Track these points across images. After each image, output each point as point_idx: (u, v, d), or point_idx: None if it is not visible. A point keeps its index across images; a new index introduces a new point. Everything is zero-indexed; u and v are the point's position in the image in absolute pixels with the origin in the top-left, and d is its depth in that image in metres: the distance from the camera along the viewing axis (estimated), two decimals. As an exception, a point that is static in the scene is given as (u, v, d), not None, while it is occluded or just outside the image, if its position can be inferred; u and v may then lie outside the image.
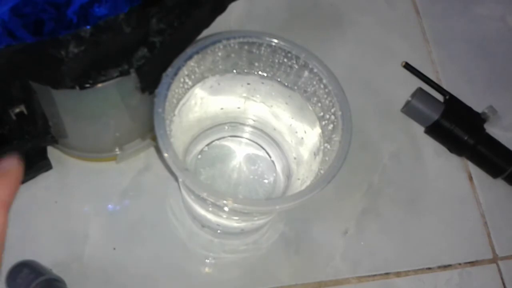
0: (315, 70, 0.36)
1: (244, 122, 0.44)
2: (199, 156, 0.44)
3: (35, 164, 0.43)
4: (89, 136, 0.43)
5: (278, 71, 0.38)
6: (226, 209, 0.34)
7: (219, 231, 0.44)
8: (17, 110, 0.36)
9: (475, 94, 0.56)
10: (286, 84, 0.39)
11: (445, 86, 0.55)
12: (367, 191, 0.49)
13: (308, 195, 0.32)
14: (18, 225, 0.42)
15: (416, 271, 0.47)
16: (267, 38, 0.36)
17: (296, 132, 0.41)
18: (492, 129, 0.54)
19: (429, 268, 0.47)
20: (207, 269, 0.44)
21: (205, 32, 0.37)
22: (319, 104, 0.37)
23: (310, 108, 0.38)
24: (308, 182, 0.36)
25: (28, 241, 0.42)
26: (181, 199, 0.45)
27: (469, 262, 0.48)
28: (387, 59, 0.56)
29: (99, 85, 0.33)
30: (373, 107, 0.53)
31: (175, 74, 0.34)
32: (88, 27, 0.30)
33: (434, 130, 0.52)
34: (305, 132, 0.40)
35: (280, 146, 0.44)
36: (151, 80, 0.34)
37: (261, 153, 0.45)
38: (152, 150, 0.46)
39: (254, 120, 0.44)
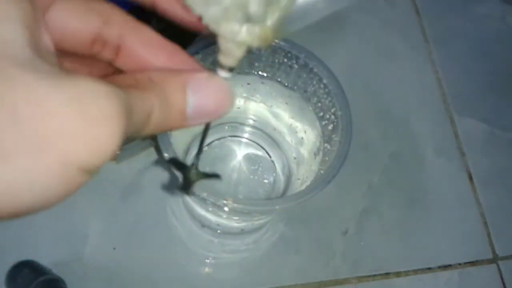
0: (315, 70, 0.36)
1: (244, 122, 0.44)
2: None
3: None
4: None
5: (278, 71, 0.38)
6: (226, 209, 0.34)
7: (219, 231, 0.44)
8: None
9: (475, 94, 0.56)
10: (286, 84, 0.39)
11: (445, 86, 0.55)
12: (367, 191, 0.49)
13: (308, 195, 0.32)
14: (18, 225, 0.42)
15: (416, 271, 0.47)
16: (267, 38, 0.36)
17: (296, 132, 0.41)
18: (493, 129, 0.54)
19: (429, 268, 0.47)
20: (207, 269, 0.44)
21: (205, 32, 0.37)
22: (319, 104, 0.37)
23: (310, 108, 0.38)
24: (308, 182, 0.36)
25: (28, 241, 0.42)
26: (181, 199, 0.45)
27: (469, 262, 0.48)
28: (387, 59, 0.56)
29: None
30: (373, 107, 0.53)
31: (175, 74, 0.33)
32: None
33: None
34: (305, 132, 0.40)
35: (280, 146, 0.44)
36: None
37: (261, 153, 0.45)
38: (152, 150, 0.46)
39: (254, 120, 0.44)
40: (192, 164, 0.24)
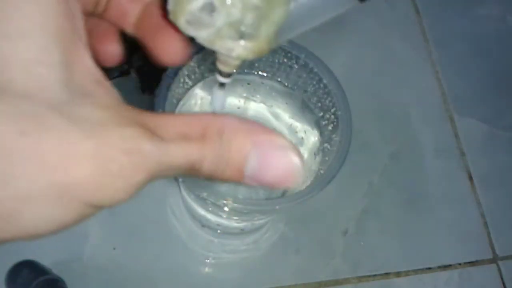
0: (315, 70, 0.36)
1: (244, 122, 0.44)
2: (199, 156, 0.43)
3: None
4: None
5: (278, 71, 0.38)
6: (226, 209, 0.34)
7: (219, 231, 0.44)
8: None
9: (475, 94, 0.56)
10: (286, 84, 0.39)
11: (445, 86, 0.55)
12: (367, 191, 0.49)
13: (308, 195, 0.32)
14: (18, 225, 0.42)
15: (416, 271, 0.47)
16: (267, 38, 0.36)
17: (296, 132, 0.41)
18: (493, 129, 0.54)
19: (429, 268, 0.47)
20: (207, 269, 0.44)
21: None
22: (319, 104, 0.37)
23: (310, 108, 0.38)
24: (308, 182, 0.36)
25: (28, 241, 0.42)
26: (181, 199, 0.45)
27: (469, 262, 0.48)
28: (387, 59, 0.56)
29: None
30: (373, 107, 0.53)
31: (175, 74, 0.34)
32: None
33: None
34: (305, 132, 0.40)
35: (280, 146, 0.43)
36: (151, 80, 0.34)
37: (261, 153, 0.45)
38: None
39: (254, 120, 0.43)
40: None
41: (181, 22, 0.17)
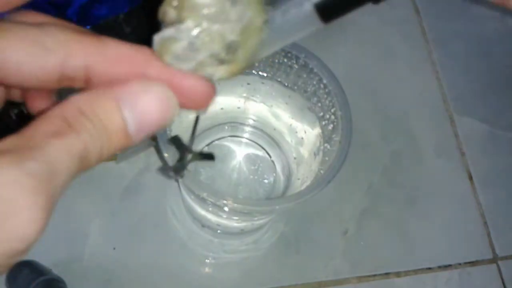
0: (315, 70, 0.36)
1: (244, 122, 0.44)
2: (199, 156, 0.44)
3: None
4: (89, 136, 0.43)
5: (278, 71, 0.38)
6: (226, 209, 0.34)
7: (219, 231, 0.44)
8: (16, 110, 0.36)
9: (475, 94, 0.56)
10: (286, 84, 0.39)
11: (445, 86, 0.55)
12: (367, 191, 0.49)
13: (308, 195, 0.32)
14: (18, 225, 0.42)
15: (416, 271, 0.47)
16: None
17: (296, 132, 0.41)
18: (493, 129, 0.54)
19: (429, 268, 0.47)
20: (207, 269, 0.44)
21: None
22: (319, 104, 0.37)
23: (310, 108, 0.38)
24: (308, 182, 0.36)
25: None
26: (181, 199, 0.45)
27: (469, 262, 0.48)
28: (387, 59, 0.56)
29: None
30: (373, 107, 0.53)
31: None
32: (88, 27, 0.30)
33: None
34: (305, 132, 0.40)
35: (280, 146, 0.44)
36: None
37: (261, 153, 0.45)
38: (152, 150, 0.46)
39: (254, 120, 0.44)
40: (187, 146, 0.26)
41: (166, 60, 0.18)
